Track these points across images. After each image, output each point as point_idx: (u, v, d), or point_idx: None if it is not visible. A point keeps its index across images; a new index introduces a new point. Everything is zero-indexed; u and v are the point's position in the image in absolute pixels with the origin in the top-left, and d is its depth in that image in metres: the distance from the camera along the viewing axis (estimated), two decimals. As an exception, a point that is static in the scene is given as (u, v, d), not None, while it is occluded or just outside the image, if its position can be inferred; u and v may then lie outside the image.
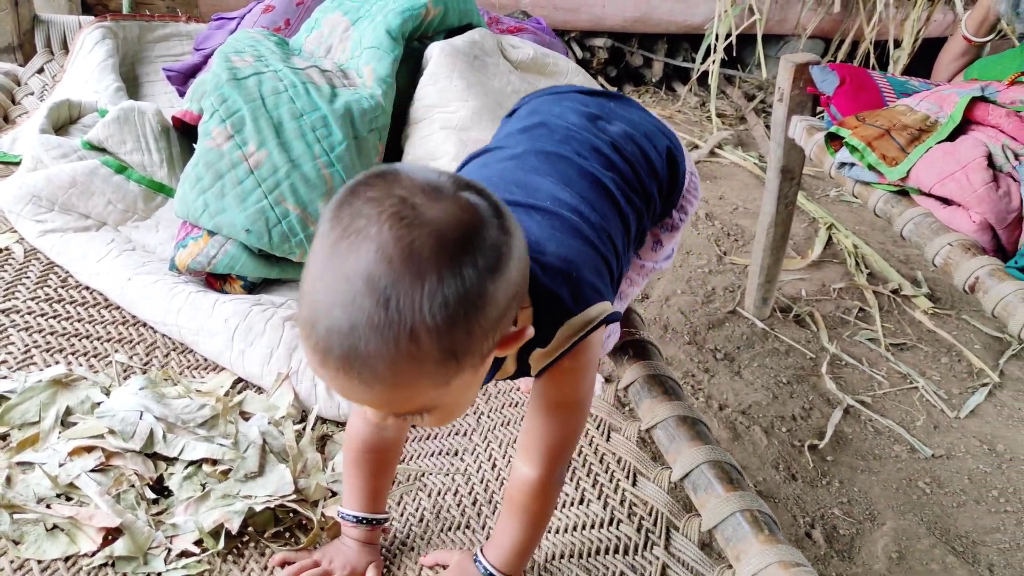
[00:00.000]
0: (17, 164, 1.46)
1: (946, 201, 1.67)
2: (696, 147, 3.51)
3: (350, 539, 1.00)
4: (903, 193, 1.74)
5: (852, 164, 1.83)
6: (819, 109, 2.26)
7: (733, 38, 3.51)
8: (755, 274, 2.51)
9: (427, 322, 0.65)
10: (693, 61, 3.83)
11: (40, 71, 1.81)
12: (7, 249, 1.31)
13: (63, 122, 1.48)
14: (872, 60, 3.66)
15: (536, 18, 2.30)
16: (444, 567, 1.02)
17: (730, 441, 2.05)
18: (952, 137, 1.69)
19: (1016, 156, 1.61)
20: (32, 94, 1.75)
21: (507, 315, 0.73)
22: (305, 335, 0.68)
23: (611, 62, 3.88)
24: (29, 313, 1.21)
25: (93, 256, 1.27)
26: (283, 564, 0.98)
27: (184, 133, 1.46)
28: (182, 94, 1.85)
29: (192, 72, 1.87)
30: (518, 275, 0.73)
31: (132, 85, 1.82)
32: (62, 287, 1.27)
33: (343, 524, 1.01)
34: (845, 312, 2.61)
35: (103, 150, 1.39)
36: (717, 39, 3.50)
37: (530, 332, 0.78)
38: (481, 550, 0.98)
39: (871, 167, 1.77)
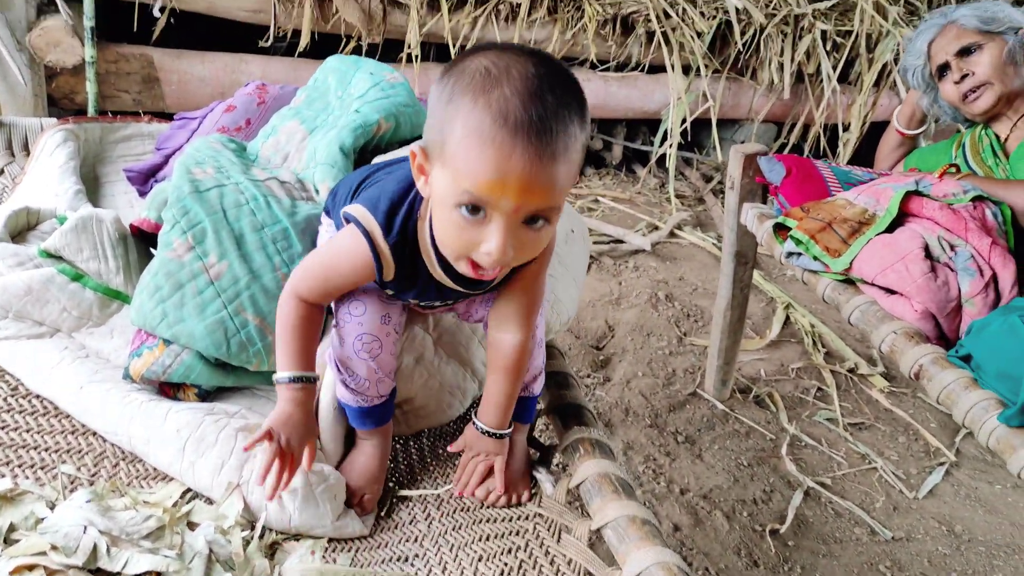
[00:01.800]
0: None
1: (889, 290, 1.73)
2: (656, 228, 3.59)
3: (292, 405, 1.15)
4: (849, 280, 1.79)
5: (799, 254, 1.88)
6: (769, 196, 2.33)
7: (688, 124, 3.62)
8: (714, 356, 2.55)
9: (579, 114, 0.94)
10: (652, 144, 3.94)
11: (0, 173, 1.83)
12: (-43, 358, 1.31)
13: (21, 229, 1.49)
14: (823, 143, 3.79)
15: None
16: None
17: (692, 527, 2.06)
18: (890, 229, 1.76)
19: (952, 247, 1.67)
20: (-10, 196, 1.77)
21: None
22: (485, 135, 0.90)
23: (571, 146, 3.98)
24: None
25: (45, 364, 1.27)
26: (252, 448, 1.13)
27: (142, 239, 1.48)
28: (142, 194, 1.87)
29: (152, 172, 1.90)
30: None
31: (92, 186, 1.84)
32: (11, 395, 1.26)
33: (283, 390, 1.16)
34: (804, 392, 2.64)
35: (60, 258, 1.41)
36: (673, 124, 3.62)
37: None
38: (475, 416, 1.27)
39: (816, 258, 1.82)
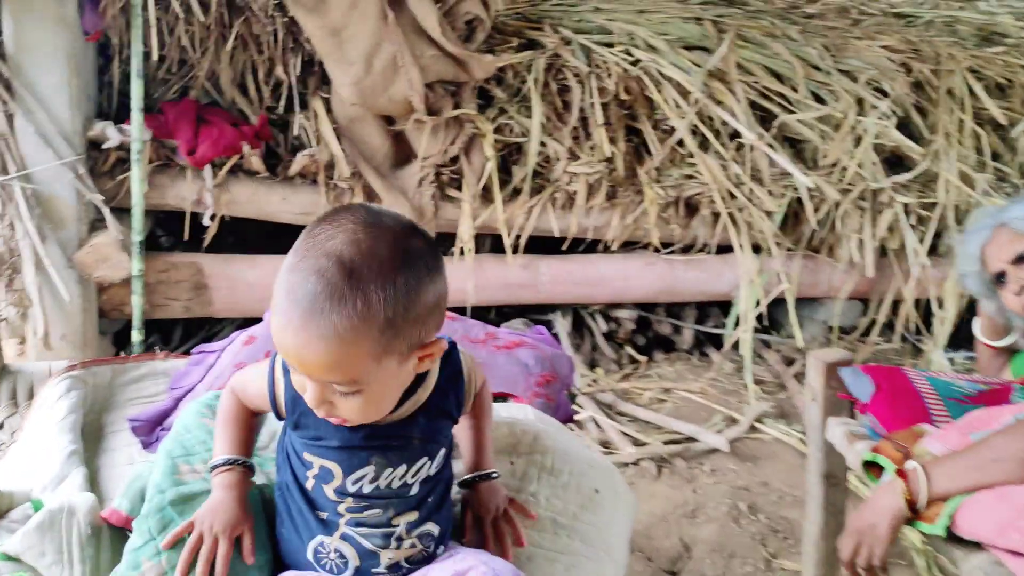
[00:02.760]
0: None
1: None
2: (734, 421, 3.28)
3: (223, 490, 1.17)
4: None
5: (898, 504, 1.58)
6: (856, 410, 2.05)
7: (763, 307, 3.37)
8: (807, 593, 2.19)
9: (379, 293, 0.96)
10: (724, 326, 3.69)
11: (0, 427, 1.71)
12: None
13: (-15, 518, 1.33)
14: (917, 321, 3.48)
15: (538, 327, 2.17)
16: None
17: None
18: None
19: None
20: (-16, 457, 1.63)
21: (431, 319, 1.04)
22: (277, 302, 0.98)
23: (638, 331, 3.76)
24: None
25: None
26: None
27: (120, 527, 1.30)
28: (147, 446, 1.70)
29: (160, 419, 1.74)
30: (442, 293, 1.05)
31: (94, 438, 1.68)
32: None
33: (216, 476, 1.19)
34: (919, 635, 2.24)
35: (20, 561, 1.22)
36: (746, 307, 3.37)
37: (444, 344, 1.10)
38: (470, 473, 1.30)
39: (916, 515, 1.53)
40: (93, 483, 1.53)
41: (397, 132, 3.16)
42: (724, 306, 3.77)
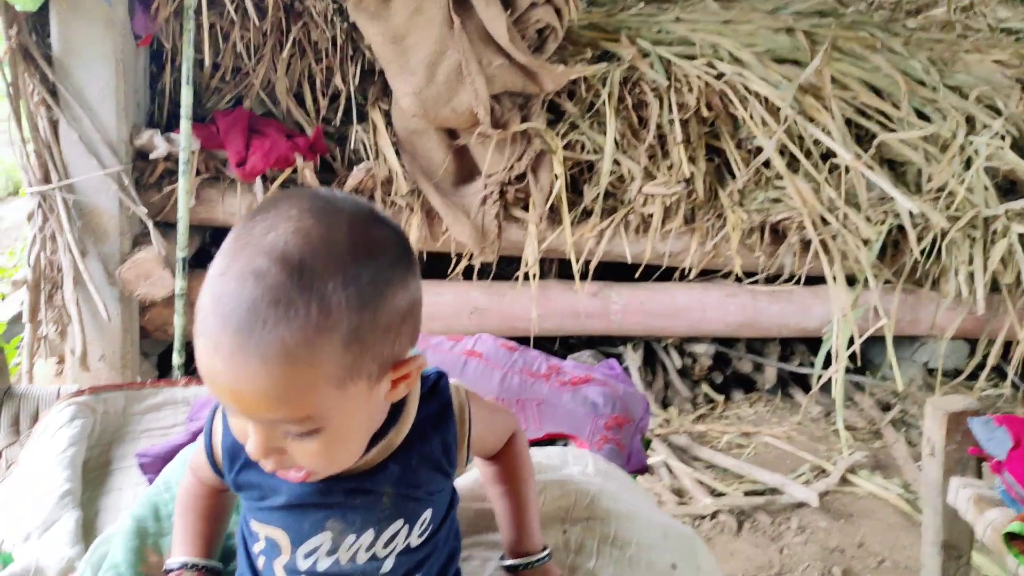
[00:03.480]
0: None
1: None
2: (823, 472, 2.94)
3: None
4: None
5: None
6: (988, 468, 1.74)
7: (857, 345, 3.04)
8: None
9: (339, 294, 0.72)
10: (811, 365, 3.36)
11: (-2, 457, 1.52)
12: None
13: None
14: (1033, 365, 3.11)
15: (609, 361, 1.91)
16: None
17: None
18: None
19: None
20: (-23, 492, 1.44)
21: (405, 327, 0.80)
22: (202, 319, 0.72)
23: (716, 367, 3.45)
24: None
25: None
26: None
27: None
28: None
29: (173, 456, 1.53)
30: (417, 296, 0.81)
31: (99, 476, 1.48)
32: None
33: None
34: None
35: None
36: (839, 344, 3.04)
37: (423, 362, 0.84)
38: (512, 557, 1.04)
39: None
40: (90, 530, 1.32)
41: (460, 147, 2.95)
42: (812, 343, 3.44)
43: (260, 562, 0.91)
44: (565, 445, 1.49)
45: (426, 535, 0.92)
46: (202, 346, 0.73)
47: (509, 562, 1.05)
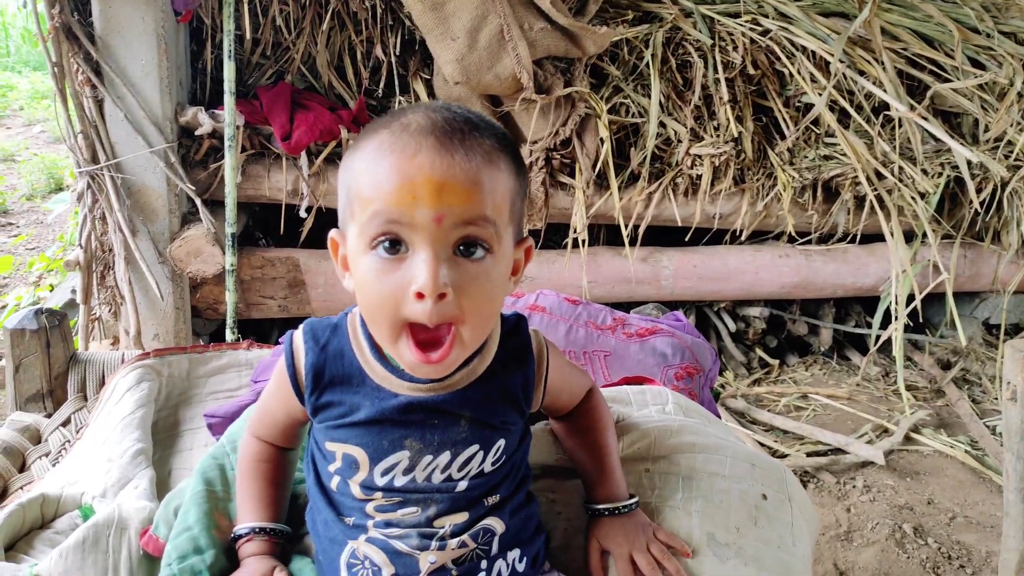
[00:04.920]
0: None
1: None
2: (886, 431, 2.88)
3: (248, 558, 0.97)
4: None
5: None
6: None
7: (917, 302, 2.96)
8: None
9: (504, 139, 0.86)
10: (868, 325, 3.29)
11: (66, 422, 1.50)
12: None
13: (31, 527, 1.11)
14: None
15: (674, 313, 1.87)
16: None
17: None
18: None
19: None
20: (47, 455, 1.43)
21: (522, 210, 0.90)
22: (383, 142, 0.81)
23: (770, 331, 3.39)
24: None
25: None
26: None
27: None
28: (226, 446, 1.48)
29: (239, 416, 1.51)
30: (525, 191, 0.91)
31: (168, 437, 1.47)
32: None
33: (240, 549, 0.99)
34: None
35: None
36: (897, 302, 2.97)
37: (534, 249, 0.99)
38: (599, 503, 1.03)
39: None
40: (163, 488, 1.31)
41: (503, 113, 2.91)
42: (867, 303, 3.37)
43: (334, 482, 0.93)
44: (639, 385, 1.44)
45: (499, 463, 0.94)
46: (396, 159, 0.79)
47: (596, 506, 1.04)
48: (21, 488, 1.38)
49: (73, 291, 3.07)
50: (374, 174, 0.80)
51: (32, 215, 5.48)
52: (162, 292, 2.59)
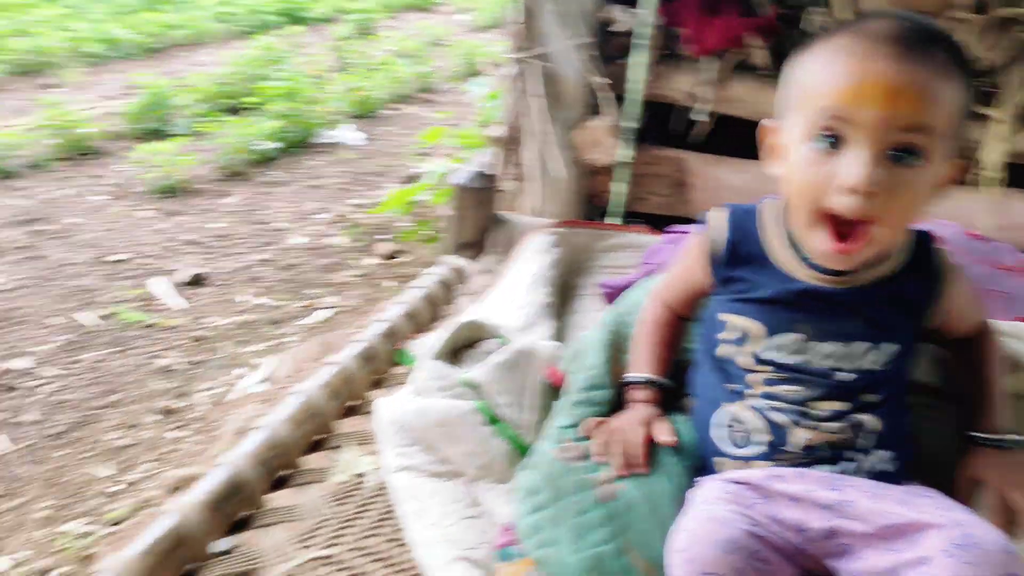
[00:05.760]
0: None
1: None
2: None
3: (636, 403, 1.13)
4: None
5: None
6: None
7: None
8: None
9: (961, 57, 0.93)
10: None
11: (488, 271, 1.78)
12: (362, 476, 1.20)
13: (461, 344, 1.37)
14: None
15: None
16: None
17: None
18: None
19: None
20: (470, 293, 1.72)
21: (961, 128, 0.95)
22: (842, 47, 0.91)
23: None
24: (345, 569, 1.06)
25: (429, 516, 1.09)
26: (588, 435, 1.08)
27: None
28: (614, 314, 1.66)
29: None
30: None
31: (566, 296, 1.69)
32: (389, 541, 1.10)
33: (631, 391, 1.15)
34: None
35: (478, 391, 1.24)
36: None
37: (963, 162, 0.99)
38: (976, 430, 1.04)
39: None
40: (556, 338, 1.52)
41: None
42: None
43: (721, 349, 1.03)
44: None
45: (884, 365, 0.99)
46: (851, 61, 0.89)
47: (977, 434, 1.05)
48: (444, 317, 1.69)
49: (478, 165, 3.48)
50: (829, 72, 0.89)
51: (451, 95, 6.17)
52: (563, 174, 2.84)
